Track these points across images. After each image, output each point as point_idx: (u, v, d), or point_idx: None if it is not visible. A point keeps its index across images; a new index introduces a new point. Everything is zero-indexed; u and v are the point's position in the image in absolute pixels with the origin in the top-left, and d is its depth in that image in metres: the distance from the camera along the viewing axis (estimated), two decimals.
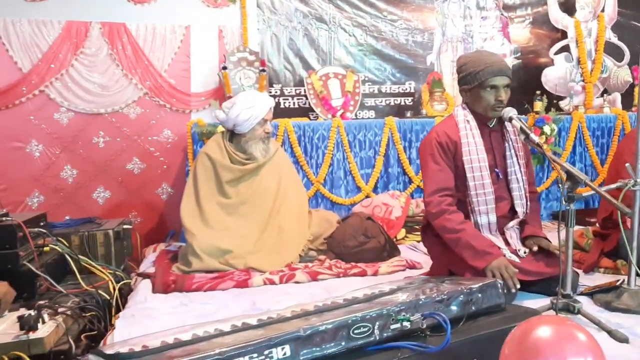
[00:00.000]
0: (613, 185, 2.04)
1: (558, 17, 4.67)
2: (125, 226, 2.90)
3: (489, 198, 2.20)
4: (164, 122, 3.98)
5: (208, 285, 2.48)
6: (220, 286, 2.49)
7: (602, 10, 4.71)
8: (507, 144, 2.29)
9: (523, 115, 4.19)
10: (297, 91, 4.30)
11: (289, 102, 4.32)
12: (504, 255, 2.11)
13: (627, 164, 2.01)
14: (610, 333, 1.74)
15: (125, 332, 1.85)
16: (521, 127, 2.05)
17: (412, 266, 2.74)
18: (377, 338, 1.35)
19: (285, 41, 4.30)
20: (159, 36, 3.93)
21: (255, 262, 2.70)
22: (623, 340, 1.70)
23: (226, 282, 2.51)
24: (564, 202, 1.85)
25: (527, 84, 4.72)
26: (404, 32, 4.61)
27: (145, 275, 2.66)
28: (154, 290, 2.44)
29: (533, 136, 2.00)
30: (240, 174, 2.90)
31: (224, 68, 3.86)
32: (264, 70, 3.98)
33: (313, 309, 1.49)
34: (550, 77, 4.59)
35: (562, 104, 4.62)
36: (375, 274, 2.64)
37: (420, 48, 4.64)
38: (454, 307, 1.50)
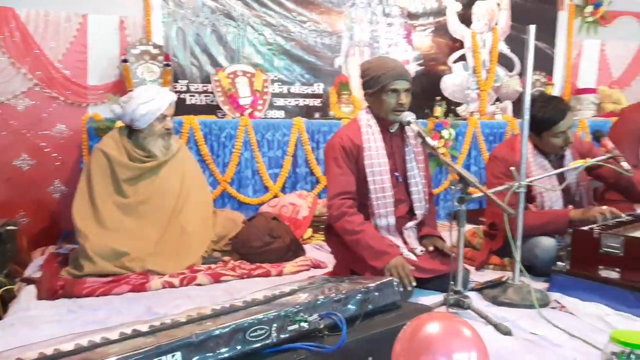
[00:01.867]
0: (500, 188, 2.18)
1: (456, 28, 4.93)
2: (9, 227, 2.67)
3: (389, 201, 2.27)
4: (57, 116, 3.71)
5: (101, 290, 2.34)
6: (114, 291, 2.35)
7: (496, 24, 5.04)
8: (407, 148, 2.37)
9: (424, 120, 4.37)
10: (204, 88, 4.20)
11: (196, 99, 4.20)
12: (402, 255, 2.19)
13: (512, 168, 2.16)
14: (495, 326, 1.85)
15: (1, 343, 1.70)
16: (418, 131, 2.13)
17: (316, 265, 2.77)
18: (275, 340, 1.34)
19: (191, 36, 4.18)
20: (52, 24, 3.66)
21: (155, 264, 2.59)
22: (506, 332, 1.82)
23: (121, 287, 2.38)
24: (455, 203, 1.94)
25: (428, 89, 4.94)
26: (312, 34, 4.64)
27: (29, 281, 2.46)
28: (39, 297, 2.27)
29: (429, 140, 2.09)
30: (139, 172, 2.77)
31: (125, 61, 3.68)
32: (168, 65, 3.84)
33: (210, 313, 1.45)
34: (449, 84, 4.84)
35: (459, 109, 4.89)
36: (279, 274, 2.64)
37: (329, 50, 4.70)
38: (351, 306, 1.52)
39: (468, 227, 3.23)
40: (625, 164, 2.38)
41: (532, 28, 2.20)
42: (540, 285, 2.34)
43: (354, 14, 4.80)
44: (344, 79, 4.48)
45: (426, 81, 5.03)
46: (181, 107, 3.91)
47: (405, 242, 2.31)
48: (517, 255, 2.17)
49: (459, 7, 4.96)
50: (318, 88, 4.63)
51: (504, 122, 4.61)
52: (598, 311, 1.97)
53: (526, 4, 5.44)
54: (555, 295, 2.17)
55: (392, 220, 2.28)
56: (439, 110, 4.75)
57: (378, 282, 1.62)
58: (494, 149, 2.85)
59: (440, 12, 5.02)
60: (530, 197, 2.61)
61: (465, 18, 5.02)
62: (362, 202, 2.29)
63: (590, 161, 2.37)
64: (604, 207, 2.39)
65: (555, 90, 5.66)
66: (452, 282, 2.00)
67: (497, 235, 2.81)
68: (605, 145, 2.49)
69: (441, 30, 5.05)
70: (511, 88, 5.10)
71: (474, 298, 2.19)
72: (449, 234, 2.35)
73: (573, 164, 2.41)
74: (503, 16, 5.08)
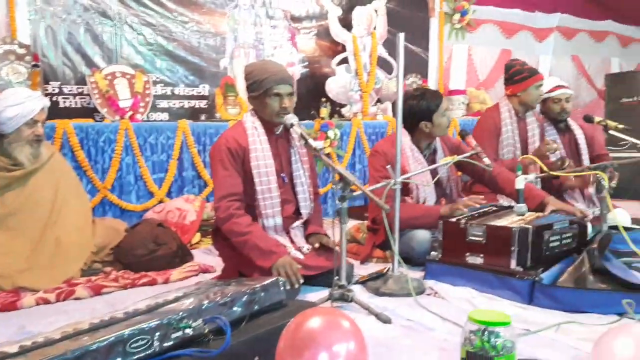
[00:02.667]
0: (378, 185, 2.31)
1: (338, 32, 5.10)
2: None
3: (275, 202, 2.31)
4: None
5: None
6: None
7: (375, 28, 5.29)
8: (292, 150, 2.43)
9: (310, 121, 4.49)
10: (80, 90, 3.96)
11: (70, 102, 3.95)
12: (289, 254, 2.24)
13: (388, 166, 2.30)
14: (377, 316, 1.96)
15: None
16: (301, 134, 2.20)
17: (205, 270, 2.74)
18: (157, 349, 1.32)
19: (63, 35, 3.92)
20: None
21: (26, 280, 2.41)
22: (387, 321, 1.94)
23: None
24: (337, 201, 2.03)
25: (313, 91, 5.08)
26: (195, 35, 4.56)
27: None
28: None
29: (311, 141, 2.16)
30: (6, 181, 2.55)
31: None
32: (37, 66, 3.58)
33: (87, 327, 1.39)
34: (333, 86, 5.00)
35: (343, 110, 5.07)
36: (166, 281, 2.57)
37: (213, 52, 4.65)
38: (237, 309, 1.54)
39: (353, 223, 3.39)
40: (486, 160, 2.63)
41: (401, 36, 2.37)
42: (418, 274, 2.51)
43: (237, 15, 4.79)
44: (229, 81, 4.45)
45: (311, 83, 5.17)
46: (54, 111, 3.64)
47: (292, 242, 2.37)
48: (395, 249, 2.31)
49: (339, 12, 5.14)
50: (203, 89, 4.56)
51: (384, 122, 4.86)
52: (466, 294, 2.16)
53: (401, 10, 5.78)
54: (430, 283, 2.35)
55: (279, 220, 2.33)
56: (324, 112, 4.89)
57: (264, 283, 1.65)
58: (376, 144, 3.02)
59: (323, 16, 5.18)
60: (407, 190, 2.80)
61: (347, 22, 5.22)
62: (249, 203, 2.31)
63: (456, 158, 2.59)
64: (467, 199, 2.63)
65: None
66: (336, 277, 2.08)
67: (379, 229, 2.96)
68: (469, 143, 2.74)
69: (324, 33, 5.21)
70: (391, 90, 5.38)
71: (358, 291, 2.30)
72: (332, 231, 2.45)
73: (443, 160, 2.62)
74: (380, 22, 5.34)
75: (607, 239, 2.22)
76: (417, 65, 5.92)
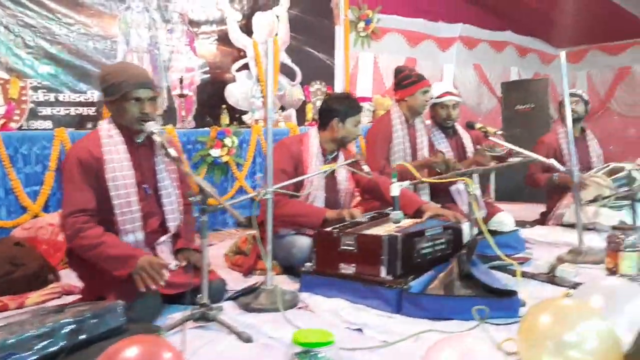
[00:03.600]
0: (249, 195, 2.22)
1: (237, 37, 4.99)
2: None
3: (136, 216, 2.15)
4: None
5: None
6: None
7: (277, 34, 5.23)
8: (156, 159, 2.28)
9: (206, 128, 4.34)
10: None
11: None
12: (149, 254, 2.10)
13: (258, 174, 2.21)
14: (238, 335, 1.86)
15: None
16: (161, 142, 2.06)
17: (69, 292, 2.52)
18: None
19: None
20: None
21: None
22: (247, 340, 1.84)
23: None
24: (198, 214, 1.92)
25: (214, 98, 4.94)
26: (83, 38, 4.30)
27: None
28: None
29: (171, 151, 2.02)
30: None
31: None
32: None
33: None
34: (234, 93, 4.88)
35: (245, 117, 4.96)
36: (20, 306, 2.34)
37: (103, 56, 4.40)
38: (56, 340, 1.38)
39: (242, 234, 3.28)
40: (365, 167, 2.61)
41: (271, 40, 2.27)
42: (298, 285, 2.43)
43: (129, 18, 4.57)
44: None
45: (212, 89, 5.02)
46: None
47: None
48: (268, 264, 2.22)
49: (239, 16, 5.04)
50: (92, 96, 4.30)
51: (286, 129, 4.79)
52: (335, 306, 2.11)
53: (306, 17, 5.76)
54: (304, 295, 2.28)
55: (140, 235, 2.17)
56: (224, 119, 4.76)
57: (96, 309, 1.50)
58: (282, 139, 2.96)
59: (223, 20, 5.05)
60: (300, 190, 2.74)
61: (248, 28, 5.12)
62: (108, 218, 2.14)
63: (334, 165, 2.55)
64: (354, 210, 2.59)
65: None
66: (199, 296, 1.96)
67: (264, 238, 2.87)
68: (349, 151, 2.71)
69: (225, 38, 5.08)
70: (294, 97, 5.34)
71: (229, 308, 2.19)
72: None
73: (323, 168, 2.57)
74: (282, 28, 5.29)
75: (473, 244, 2.24)
76: (322, 72, 5.92)
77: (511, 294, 1.98)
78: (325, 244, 2.27)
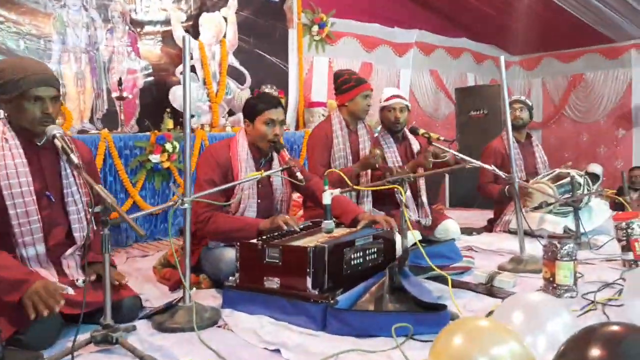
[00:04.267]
0: (164, 205, 2.06)
1: (182, 37, 4.79)
2: None
3: (35, 227, 1.95)
4: None
5: None
6: None
7: (225, 36, 5.07)
8: (62, 163, 2.08)
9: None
10: None
11: None
12: (45, 278, 1.90)
13: (172, 184, 2.05)
14: (141, 358, 1.69)
15: None
16: (62, 147, 1.87)
17: None
18: None
19: None
20: None
21: None
22: None
23: None
24: (99, 228, 1.74)
25: (158, 101, 4.73)
26: (13, 37, 4.05)
27: None
28: None
29: (73, 157, 1.83)
30: None
31: None
32: None
33: None
34: (178, 96, 4.68)
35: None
36: None
37: (36, 56, 4.15)
38: None
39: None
40: (299, 175, 2.48)
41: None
42: None
43: (65, 16, 4.34)
44: None
45: (156, 92, 4.82)
46: None
47: (62, 274, 2.03)
48: (186, 280, 2.06)
49: (183, 17, 4.86)
50: None
51: (233, 133, 4.61)
52: (256, 325, 1.96)
53: (258, 20, 5.62)
54: (226, 312, 2.12)
55: (41, 248, 1.97)
56: (169, 123, 4.57)
57: None
58: (210, 146, 2.81)
59: (167, 21, 4.86)
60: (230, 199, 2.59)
61: (195, 29, 4.94)
62: (5, 230, 1.94)
63: (264, 173, 2.41)
64: (288, 217, 2.46)
65: (290, 104, 5.97)
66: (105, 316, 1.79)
67: (194, 250, 2.70)
68: (282, 157, 2.57)
69: (170, 40, 4.89)
70: (243, 101, 5.17)
71: (144, 327, 2.02)
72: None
73: (250, 175, 2.43)
74: (231, 30, 5.13)
75: (405, 255, 2.13)
76: (276, 76, 5.79)
77: (440, 308, 1.87)
78: (249, 257, 2.12)
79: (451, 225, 3.53)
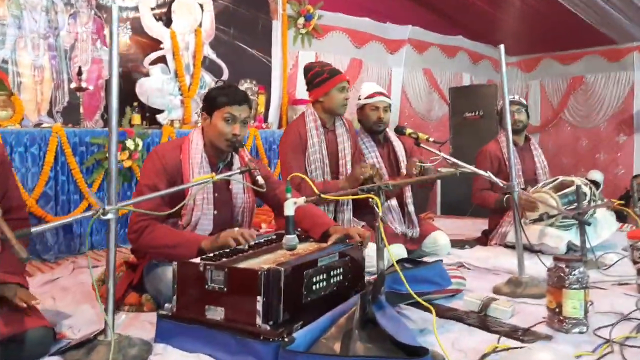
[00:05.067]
0: (88, 213, 1.66)
1: (151, 25, 4.40)
2: None
3: None
4: None
5: None
6: None
7: (200, 25, 4.67)
8: None
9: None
10: None
11: None
12: None
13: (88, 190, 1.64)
14: None
15: None
16: None
17: None
18: None
19: None
20: None
21: None
22: None
23: None
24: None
25: (125, 94, 4.32)
26: None
27: None
28: None
29: None
30: None
31: None
32: None
33: None
34: (146, 88, 4.28)
35: (159, 117, 4.37)
36: None
37: None
38: None
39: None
40: (259, 179, 2.08)
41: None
42: None
43: None
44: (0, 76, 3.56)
45: (126, 84, 4.40)
46: None
47: None
48: (110, 309, 1.66)
49: (152, 3, 4.46)
50: None
51: None
52: None
53: (238, 9, 5.23)
54: (158, 348, 1.72)
55: None
56: (136, 118, 4.18)
57: None
58: (157, 146, 2.43)
59: (137, 7, 4.46)
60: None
61: (166, 16, 4.54)
62: None
63: (216, 177, 2.01)
64: (236, 230, 2.06)
65: (273, 100, 5.58)
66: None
67: (139, 264, 2.31)
68: (241, 157, 2.18)
69: (140, 28, 4.49)
70: None
71: None
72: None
73: (200, 178, 2.02)
74: (207, 18, 4.73)
75: (381, 280, 1.74)
76: (257, 70, 5.40)
77: (421, 353, 1.48)
78: (188, 279, 1.72)
79: (441, 237, 3.15)
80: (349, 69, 6.38)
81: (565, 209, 3.01)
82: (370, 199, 1.72)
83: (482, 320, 2.03)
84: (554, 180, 3.37)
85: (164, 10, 4.53)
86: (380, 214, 1.71)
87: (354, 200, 2.98)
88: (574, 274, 1.88)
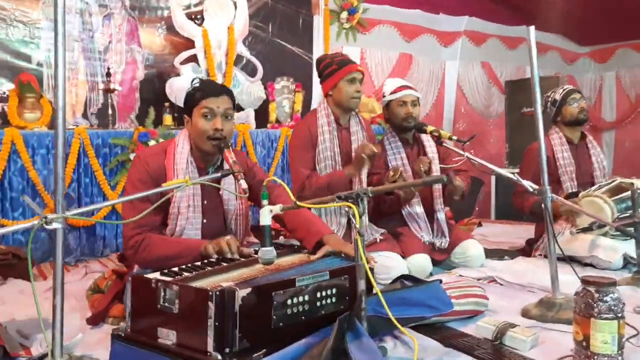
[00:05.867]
0: (28, 223, 1.52)
1: (183, 24, 4.32)
2: None
3: None
4: None
5: None
6: None
7: (233, 23, 4.54)
8: None
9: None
10: None
11: None
12: None
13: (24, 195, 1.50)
14: None
15: None
16: None
17: None
18: None
19: None
20: None
21: None
22: None
23: None
24: None
25: (158, 95, 4.29)
26: None
27: None
28: None
29: None
30: None
31: None
32: None
33: None
34: (175, 88, 4.20)
35: None
36: None
37: (23, 44, 3.82)
38: None
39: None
40: (243, 183, 1.88)
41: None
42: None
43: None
44: (28, 78, 3.59)
45: (158, 85, 4.39)
46: None
47: None
48: (57, 333, 1.52)
49: (185, 1, 4.38)
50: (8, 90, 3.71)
51: (234, 131, 4.08)
52: None
53: (277, 5, 5.08)
54: None
55: None
56: (167, 119, 4.12)
57: None
58: (143, 150, 2.30)
59: (170, 7, 4.40)
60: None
61: (197, 14, 4.45)
62: None
63: (193, 181, 1.83)
64: (231, 239, 1.87)
65: (314, 98, 5.38)
66: None
67: (125, 273, 2.18)
68: (226, 159, 1.98)
69: (173, 27, 4.43)
70: (254, 95, 4.64)
71: None
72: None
73: (171, 183, 1.84)
74: (241, 15, 4.59)
75: (359, 303, 1.48)
76: (297, 68, 5.23)
77: None
78: (142, 296, 1.54)
79: (472, 247, 2.81)
80: (398, 64, 6.06)
81: (618, 217, 2.58)
82: (347, 208, 1.46)
83: (495, 351, 1.72)
84: (610, 182, 2.93)
85: (197, 8, 4.44)
86: (358, 226, 1.45)
87: (375, 200, 2.73)
88: (606, 301, 1.53)
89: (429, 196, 2.87)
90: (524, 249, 3.26)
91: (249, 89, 4.59)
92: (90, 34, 4.14)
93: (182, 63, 4.28)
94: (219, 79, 4.40)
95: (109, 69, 3.92)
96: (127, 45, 4.30)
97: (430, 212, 2.87)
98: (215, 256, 1.85)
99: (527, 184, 2.12)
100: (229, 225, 2.17)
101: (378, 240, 2.65)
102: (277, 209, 1.65)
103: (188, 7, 4.41)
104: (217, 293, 1.39)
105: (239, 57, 4.62)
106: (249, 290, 1.43)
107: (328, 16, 5.41)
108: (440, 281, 1.95)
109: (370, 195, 1.47)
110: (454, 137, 2.52)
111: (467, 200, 3.76)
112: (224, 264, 1.74)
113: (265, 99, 4.70)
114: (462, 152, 2.38)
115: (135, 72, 4.34)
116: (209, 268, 1.69)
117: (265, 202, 1.68)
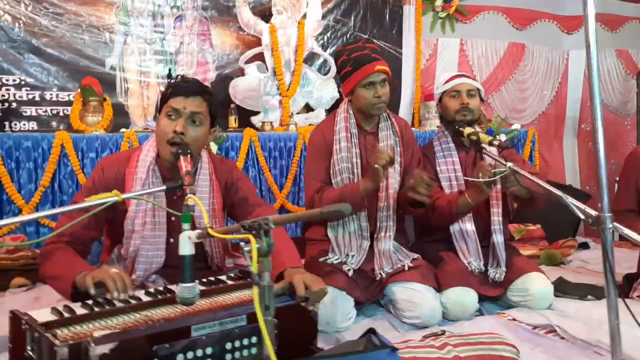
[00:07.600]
0: None
1: (250, 21, 4.12)
2: None
3: None
4: None
5: None
6: None
7: (304, 17, 4.24)
8: None
9: None
10: None
11: None
12: None
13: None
14: None
15: None
16: None
17: None
18: None
19: None
20: None
21: None
22: None
23: None
24: None
25: (227, 96, 4.16)
26: (73, 29, 3.85)
27: None
28: None
29: None
30: None
31: None
32: None
33: None
34: (240, 89, 4.02)
35: (254, 119, 4.07)
36: None
37: (97, 49, 3.92)
38: None
39: None
40: (189, 200, 1.55)
41: None
42: None
43: (130, 5, 4.02)
44: (90, 82, 3.64)
45: (225, 86, 4.25)
46: None
47: None
48: None
49: None
50: None
51: (294, 134, 3.78)
52: None
53: None
54: None
55: None
56: (232, 121, 3.97)
57: None
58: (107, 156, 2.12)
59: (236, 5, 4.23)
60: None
61: (263, 10, 4.22)
62: None
63: (124, 196, 1.55)
64: (115, 270, 1.55)
65: (404, 97, 4.89)
66: None
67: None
68: (180, 168, 1.67)
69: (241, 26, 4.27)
70: (326, 94, 4.30)
71: None
72: None
73: (96, 198, 1.58)
74: (314, 9, 4.27)
75: None
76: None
77: None
78: (17, 338, 1.29)
79: (536, 282, 2.18)
80: (507, 56, 5.30)
81: None
82: (243, 244, 1.07)
83: None
84: None
85: (264, 4, 4.22)
86: (254, 268, 1.04)
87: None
88: None
89: (484, 211, 2.29)
90: (621, 286, 2.49)
91: (321, 88, 4.26)
92: (162, 36, 4.13)
93: (247, 62, 4.09)
94: (287, 78, 4.14)
95: (170, 70, 3.87)
96: (197, 46, 4.22)
97: (485, 232, 2.29)
98: (92, 292, 1.47)
99: (572, 204, 1.50)
100: (204, 245, 1.86)
101: (407, 268, 2.16)
102: (194, 234, 1.30)
103: (255, 3, 4.20)
104: (67, 348, 1.09)
105: (313, 54, 4.31)
106: (112, 345, 1.10)
107: (420, 5, 4.87)
108: (443, 332, 1.45)
109: (273, 226, 1.05)
110: (495, 142, 1.93)
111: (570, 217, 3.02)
112: (135, 302, 1.41)
113: (339, 99, 4.33)
114: (504, 161, 1.81)
115: (207, 73, 4.25)
116: (120, 305, 1.39)
117: (186, 226, 1.34)
